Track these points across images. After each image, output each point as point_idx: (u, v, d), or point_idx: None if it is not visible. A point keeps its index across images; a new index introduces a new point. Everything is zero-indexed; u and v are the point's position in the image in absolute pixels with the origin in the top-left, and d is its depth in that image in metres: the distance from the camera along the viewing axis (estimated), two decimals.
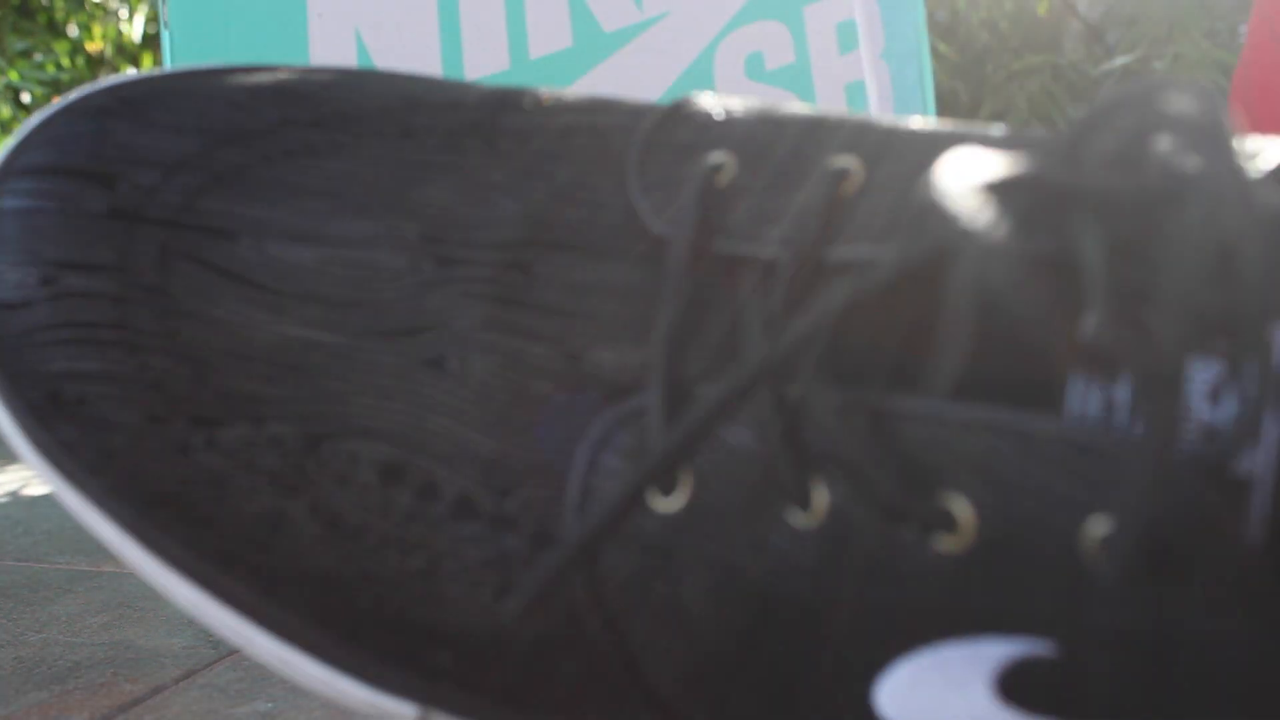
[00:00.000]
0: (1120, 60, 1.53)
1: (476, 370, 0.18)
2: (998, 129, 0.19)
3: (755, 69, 0.72)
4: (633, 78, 0.72)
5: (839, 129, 0.19)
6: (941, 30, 1.63)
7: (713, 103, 0.20)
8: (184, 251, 0.19)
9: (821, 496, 0.16)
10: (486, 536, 0.18)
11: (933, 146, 0.18)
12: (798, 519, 0.16)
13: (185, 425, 0.19)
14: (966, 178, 0.16)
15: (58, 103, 0.21)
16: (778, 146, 0.19)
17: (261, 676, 0.40)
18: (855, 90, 0.73)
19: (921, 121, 0.19)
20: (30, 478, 0.86)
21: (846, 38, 0.72)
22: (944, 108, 1.58)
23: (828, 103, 0.72)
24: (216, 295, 0.19)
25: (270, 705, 0.38)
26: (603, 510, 0.17)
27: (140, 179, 0.20)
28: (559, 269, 0.18)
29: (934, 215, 0.15)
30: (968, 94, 1.66)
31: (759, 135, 0.19)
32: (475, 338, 0.18)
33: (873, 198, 0.17)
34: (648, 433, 0.17)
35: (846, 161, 0.18)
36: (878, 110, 0.72)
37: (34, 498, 0.79)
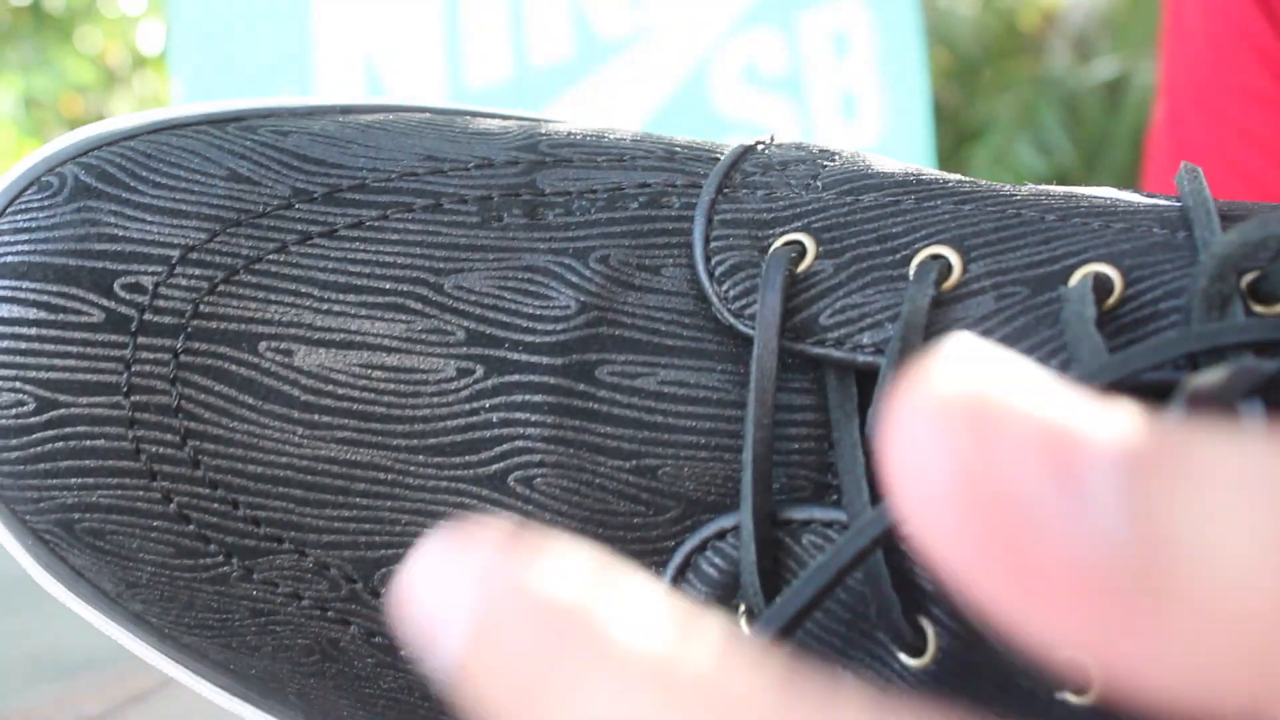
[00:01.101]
0: (1106, 68, 1.54)
1: (543, 489, 0.17)
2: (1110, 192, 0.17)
3: (751, 76, 0.72)
4: (631, 85, 0.72)
5: (926, 208, 0.17)
6: (941, 36, 1.63)
7: (779, 157, 0.18)
8: (198, 364, 0.17)
9: (932, 638, 0.15)
10: None
11: (1038, 238, 0.16)
12: (907, 659, 0.15)
13: (218, 556, 0.17)
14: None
15: (26, 167, 0.18)
16: (857, 227, 0.17)
17: None
18: (850, 98, 0.74)
19: (1018, 201, 0.17)
20: None
21: (842, 45, 0.73)
22: (934, 115, 1.58)
23: (822, 110, 0.72)
24: (240, 413, 0.17)
25: None
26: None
27: (137, 280, 0.17)
28: (625, 372, 0.17)
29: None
30: (953, 103, 1.66)
31: (835, 212, 0.17)
32: (539, 454, 0.17)
33: (974, 301, 0.15)
34: (737, 559, 0.16)
35: (944, 253, 0.16)
36: (876, 116, 0.72)
37: None
